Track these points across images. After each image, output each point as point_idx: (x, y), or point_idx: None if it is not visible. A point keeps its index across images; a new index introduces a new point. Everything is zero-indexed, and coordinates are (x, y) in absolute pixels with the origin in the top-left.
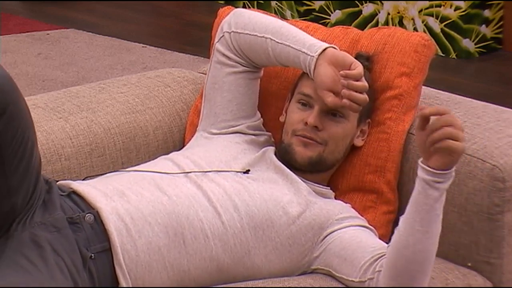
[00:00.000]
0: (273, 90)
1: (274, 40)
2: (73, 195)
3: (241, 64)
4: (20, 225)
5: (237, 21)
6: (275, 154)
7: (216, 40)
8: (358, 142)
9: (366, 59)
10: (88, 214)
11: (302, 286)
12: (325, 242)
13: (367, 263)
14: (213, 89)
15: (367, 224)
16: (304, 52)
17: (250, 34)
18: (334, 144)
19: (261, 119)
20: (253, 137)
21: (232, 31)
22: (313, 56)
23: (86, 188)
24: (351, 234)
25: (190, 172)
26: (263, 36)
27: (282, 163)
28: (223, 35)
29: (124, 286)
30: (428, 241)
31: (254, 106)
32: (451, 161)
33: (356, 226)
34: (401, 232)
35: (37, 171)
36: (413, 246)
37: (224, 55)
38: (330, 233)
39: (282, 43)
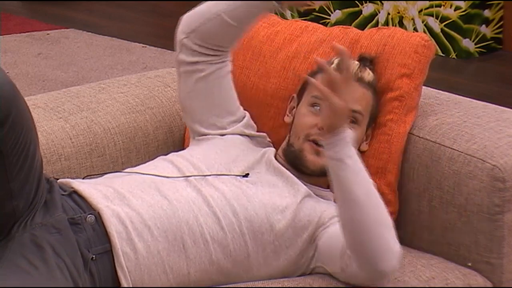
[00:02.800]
0: (272, 90)
1: (226, 11)
2: (74, 194)
3: (208, 63)
4: (21, 226)
5: (187, 23)
6: (275, 156)
7: (177, 52)
8: (364, 146)
9: (370, 62)
10: (89, 215)
11: (302, 286)
12: (317, 240)
13: (342, 251)
14: (189, 99)
15: None
16: None
17: (204, 23)
18: None
19: (247, 113)
20: (250, 138)
21: (188, 33)
22: None
23: (87, 188)
24: (335, 227)
25: (190, 176)
26: (215, 15)
27: (288, 165)
28: (182, 44)
29: (125, 285)
30: (356, 209)
31: (234, 100)
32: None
33: None
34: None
35: (39, 173)
36: (344, 219)
37: (189, 63)
38: (322, 231)
39: (235, 6)
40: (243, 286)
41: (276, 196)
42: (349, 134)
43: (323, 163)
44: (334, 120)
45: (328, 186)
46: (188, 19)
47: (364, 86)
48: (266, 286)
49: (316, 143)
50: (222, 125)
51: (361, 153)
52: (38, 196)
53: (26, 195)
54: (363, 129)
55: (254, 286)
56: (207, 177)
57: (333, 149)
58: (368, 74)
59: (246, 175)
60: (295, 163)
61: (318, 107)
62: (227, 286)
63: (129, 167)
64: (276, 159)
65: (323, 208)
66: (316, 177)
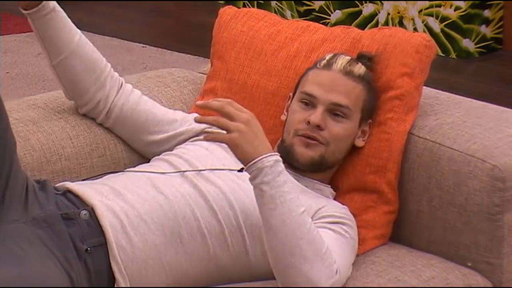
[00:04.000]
0: (273, 89)
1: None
2: (68, 193)
3: (111, 102)
4: (10, 220)
5: (69, 98)
6: None
7: (99, 120)
8: (359, 142)
9: (368, 59)
10: (84, 211)
11: None
12: None
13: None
14: (134, 141)
15: (341, 231)
16: None
17: (65, 81)
18: (336, 145)
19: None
20: None
21: (77, 103)
22: None
23: (81, 187)
24: (321, 230)
25: (185, 171)
26: (55, 66)
27: (283, 162)
28: (87, 113)
29: (121, 281)
30: (269, 236)
31: (164, 111)
32: (237, 153)
33: (327, 223)
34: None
35: (10, 155)
36: (265, 240)
37: (109, 121)
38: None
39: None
40: (242, 286)
41: None
42: (269, 158)
43: (312, 156)
44: (240, 143)
45: (328, 182)
46: (67, 97)
47: (353, 79)
48: (266, 286)
49: (305, 136)
50: (175, 132)
51: (359, 149)
52: (12, 182)
53: None
54: (354, 123)
55: (254, 286)
56: (202, 172)
57: (250, 175)
58: (359, 68)
59: (241, 170)
60: (287, 158)
61: (307, 103)
62: (227, 286)
63: (129, 167)
64: None
65: (322, 204)
66: (310, 173)
